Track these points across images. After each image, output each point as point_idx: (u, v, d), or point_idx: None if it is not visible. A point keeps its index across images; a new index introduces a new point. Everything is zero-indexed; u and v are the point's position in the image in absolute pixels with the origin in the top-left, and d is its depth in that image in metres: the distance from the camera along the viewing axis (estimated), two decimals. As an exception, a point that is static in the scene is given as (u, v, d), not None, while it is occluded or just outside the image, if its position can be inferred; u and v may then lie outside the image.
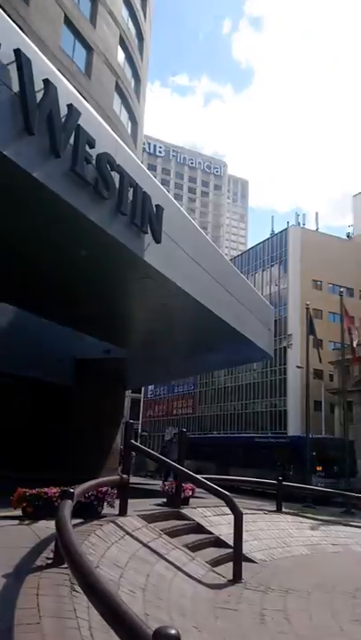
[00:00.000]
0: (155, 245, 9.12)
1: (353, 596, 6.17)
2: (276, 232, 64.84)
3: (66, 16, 17.10)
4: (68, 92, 7.33)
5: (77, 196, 7.36)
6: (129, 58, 22.69)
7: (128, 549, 5.89)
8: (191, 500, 9.05)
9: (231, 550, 6.79)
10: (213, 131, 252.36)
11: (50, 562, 4.39)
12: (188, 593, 5.57)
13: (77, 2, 18.24)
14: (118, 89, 21.02)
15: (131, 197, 8.44)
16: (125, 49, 22.07)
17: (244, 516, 6.98)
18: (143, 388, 77.35)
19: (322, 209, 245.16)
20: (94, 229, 7.87)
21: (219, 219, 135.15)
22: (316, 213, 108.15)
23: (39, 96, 6.60)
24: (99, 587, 2.61)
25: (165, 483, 9.03)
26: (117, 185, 8.08)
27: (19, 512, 6.23)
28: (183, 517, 8.05)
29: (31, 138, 6.46)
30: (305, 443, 21.73)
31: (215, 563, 6.93)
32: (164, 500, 8.79)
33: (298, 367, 49.28)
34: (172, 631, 1.92)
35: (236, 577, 6.38)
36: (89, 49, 18.82)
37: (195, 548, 7.17)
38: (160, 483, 11.65)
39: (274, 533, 8.86)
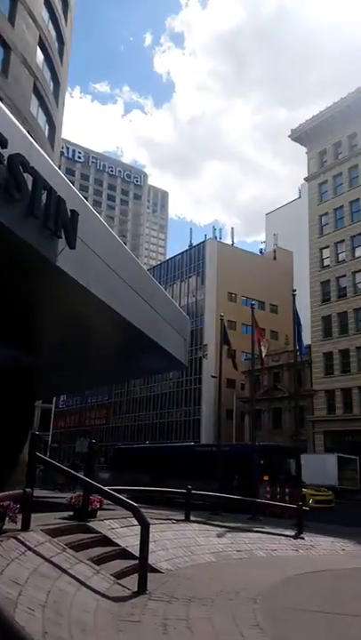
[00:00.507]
0: (69, 251, 8.92)
1: (254, 601, 6.33)
2: (194, 244, 66.22)
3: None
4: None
5: (-14, 197, 7.03)
6: (48, 60, 22.23)
7: (29, 565, 5.64)
8: (99, 513, 8.88)
9: (137, 561, 6.73)
10: (134, 141, 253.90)
11: None
12: (90, 607, 5.43)
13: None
14: (36, 91, 20.49)
15: (44, 200, 8.21)
16: (45, 51, 21.60)
17: (152, 527, 6.96)
18: (55, 399, 75.08)
19: (238, 224, 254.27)
20: (3, 231, 7.55)
21: (138, 228, 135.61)
22: (232, 228, 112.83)
23: None
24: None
25: (72, 495, 8.79)
26: (30, 187, 7.83)
27: None
28: (89, 530, 7.87)
29: None
30: (250, 450, 20.73)
31: (120, 575, 6.83)
32: (71, 513, 8.54)
33: (212, 377, 50.27)
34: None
35: (141, 588, 6.33)
36: (6, 47, 18.20)
37: (100, 560, 7.02)
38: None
39: (181, 542, 8.92)
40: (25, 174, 7.69)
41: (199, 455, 25.79)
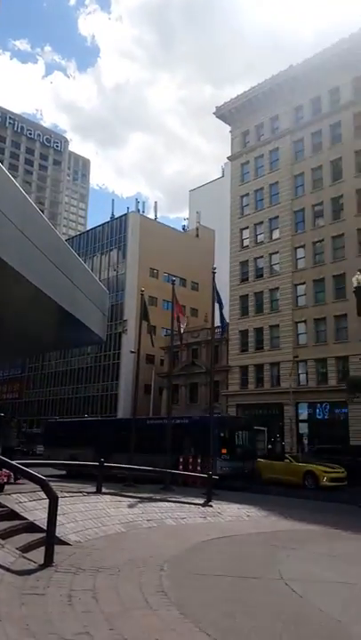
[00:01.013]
0: (-23, 214, 8.35)
1: (161, 568, 6.49)
2: (116, 216, 65.07)
3: None
4: None
5: None
6: None
7: None
8: (8, 487, 8.64)
9: (44, 534, 6.64)
10: (54, 104, 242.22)
11: None
12: (-8, 583, 5.28)
13: None
14: None
15: None
16: None
17: (62, 499, 6.88)
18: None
19: (161, 199, 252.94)
20: None
21: (57, 195, 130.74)
22: (155, 202, 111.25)
23: None
24: None
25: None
26: None
27: None
28: (-4, 505, 7.64)
29: None
30: (207, 423, 19.71)
31: (27, 548, 6.71)
32: (-24, 488, 8.22)
33: (132, 352, 50.27)
34: None
35: (48, 561, 6.26)
36: None
37: (6, 535, 6.85)
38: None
39: (91, 514, 8.93)
40: None
41: (150, 428, 24.69)
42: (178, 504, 11.49)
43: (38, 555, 6.46)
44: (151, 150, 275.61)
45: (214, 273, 17.23)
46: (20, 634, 4.18)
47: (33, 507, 7.97)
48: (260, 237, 46.33)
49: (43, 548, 6.46)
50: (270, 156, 46.20)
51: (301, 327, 42.10)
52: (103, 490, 10.85)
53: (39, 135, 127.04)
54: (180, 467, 19.21)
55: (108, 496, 10.54)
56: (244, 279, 47.03)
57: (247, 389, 44.95)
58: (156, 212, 69.64)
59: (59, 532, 6.82)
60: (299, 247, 42.98)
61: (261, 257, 45.79)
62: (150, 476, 16.79)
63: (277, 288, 44.02)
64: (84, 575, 6.00)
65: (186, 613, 4.89)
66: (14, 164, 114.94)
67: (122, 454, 18.48)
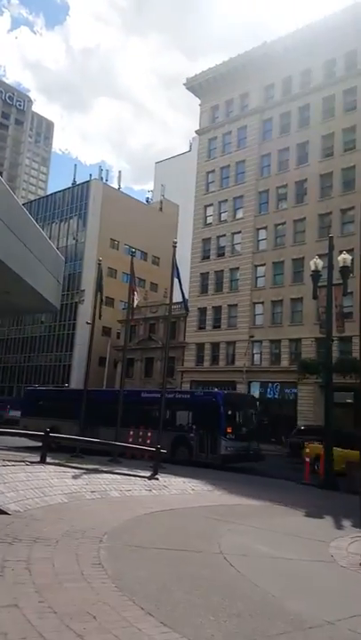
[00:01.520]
0: None
1: (100, 540, 6.39)
2: (78, 183, 63.21)
3: None
4: None
5: None
6: None
7: None
8: None
9: (-19, 504, 6.39)
10: (19, 61, 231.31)
11: None
12: None
13: None
14: None
15: None
16: None
17: (4, 469, 6.66)
18: None
19: (127, 169, 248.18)
20: None
21: (17, 157, 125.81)
22: (120, 172, 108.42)
23: None
24: None
25: None
26: None
27: None
28: None
29: None
30: (211, 400, 19.31)
31: None
32: None
33: (87, 323, 49.66)
34: None
35: (-18, 531, 6.03)
36: None
37: None
38: None
39: (33, 484, 8.72)
40: None
41: (146, 402, 22.81)
42: (124, 476, 11.44)
43: (-27, 525, 6.23)
44: (118, 118, 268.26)
45: (175, 247, 16.98)
46: None
47: (-30, 476, 7.69)
48: (223, 216, 46.20)
49: (-22, 518, 6.23)
50: (238, 133, 45.81)
51: (259, 308, 42.62)
52: (48, 460, 10.63)
53: (1, 92, 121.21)
54: (130, 439, 19.12)
55: (53, 466, 10.34)
56: (206, 257, 46.96)
57: (202, 366, 45.38)
58: (119, 181, 68.32)
59: (-4, 501, 6.59)
60: (261, 228, 43.18)
61: (224, 235, 45.76)
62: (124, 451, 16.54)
63: (238, 268, 44.23)
64: (19, 545, 5.83)
65: (121, 586, 4.80)
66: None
67: (111, 429, 17.39)
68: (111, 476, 11.21)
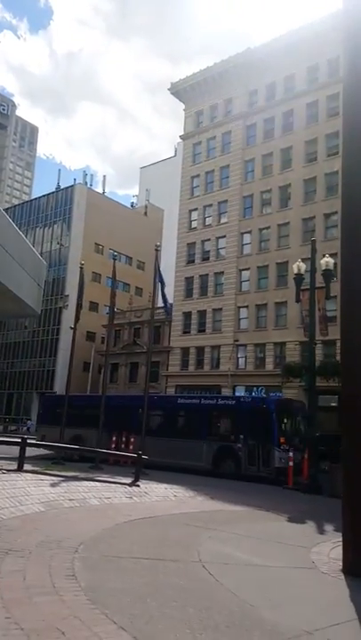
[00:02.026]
0: None
1: (76, 550, 6.20)
2: (62, 187, 62.83)
3: None
4: None
5: None
6: None
7: None
8: None
9: None
10: (2, 65, 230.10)
11: None
12: None
13: None
14: None
15: None
16: None
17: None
18: None
19: (112, 174, 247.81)
20: None
21: (1, 161, 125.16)
22: (104, 177, 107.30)
23: None
24: None
25: None
26: None
27: None
28: None
29: None
30: (262, 406, 17.65)
31: None
32: None
33: (71, 328, 49.29)
34: None
35: None
36: None
37: None
38: None
39: (9, 493, 8.48)
40: None
41: (182, 408, 20.84)
42: (104, 483, 11.22)
43: None
44: (103, 123, 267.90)
45: (157, 251, 16.85)
46: None
47: None
48: (208, 220, 46.25)
49: None
50: (223, 138, 45.97)
51: (243, 312, 42.67)
52: (25, 467, 10.38)
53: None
54: (113, 445, 18.89)
55: (30, 474, 10.10)
56: (190, 261, 46.93)
57: (187, 371, 45.23)
58: (104, 186, 68.12)
59: (-32, 511, 6.36)
60: (245, 233, 43.30)
61: (208, 240, 45.80)
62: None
63: (222, 272, 44.27)
64: (-11, 558, 5.61)
65: (94, 599, 4.62)
66: None
67: (145, 438, 16.11)
68: (91, 483, 10.99)
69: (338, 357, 30.69)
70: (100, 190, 67.83)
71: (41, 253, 56.78)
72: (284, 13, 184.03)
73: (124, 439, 19.30)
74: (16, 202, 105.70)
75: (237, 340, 42.06)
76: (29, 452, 17.87)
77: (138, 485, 11.48)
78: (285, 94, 41.99)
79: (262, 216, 42.19)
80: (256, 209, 42.71)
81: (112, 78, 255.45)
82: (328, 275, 15.30)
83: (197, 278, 45.99)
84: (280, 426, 17.23)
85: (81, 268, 18.51)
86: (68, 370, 18.85)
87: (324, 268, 15.32)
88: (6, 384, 60.06)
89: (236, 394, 40.81)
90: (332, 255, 19.34)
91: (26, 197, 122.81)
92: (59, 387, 53.80)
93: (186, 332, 46.26)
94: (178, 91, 49.29)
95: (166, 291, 47.20)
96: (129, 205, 71.89)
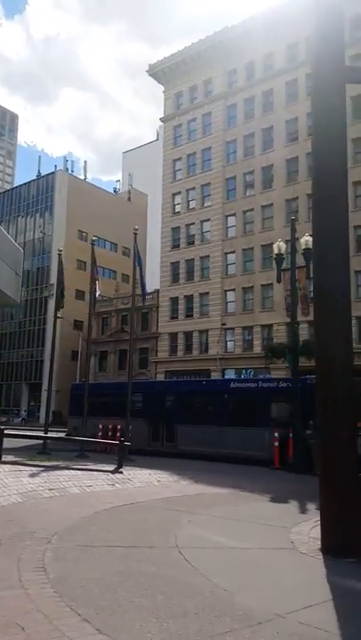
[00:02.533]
0: None
1: (49, 541, 6.05)
2: (43, 174, 61.80)
3: None
4: None
5: None
6: None
7: None
8: None
9: None
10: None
11: None
12: None
13: None
14: None
15: None
16: None
17: None
18: None
19: (94, 160, 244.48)
20: None
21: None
22: (85, 162, 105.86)
23: None
24: None
25: None
26: None
27: None
28: None
29: None
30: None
31: None
32: None
33: (59, 317, 48.75)
34: None
35: None
36: None
37: None
38: None
39: (-16, 486, 8.31)
40: None
41: (237, 393, 18.77)
42: (86, 471, 11.09)
43: None
44: (84, 109, 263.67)
45: (135, 234, 16.55)
46: None
47: None
48: (191, 204, 45.82)
49: None
50: (203, 119, 45.36)
51: (230, 295, 42.53)
52: (5, 459, 10.20)
53: None
54: (100, 434, 18.73)
55: (8, 465, 9.93)
56: (176, 246, 46.57)
57: (176, 356, 45.15)
58: (85, 172, 67.06)
59: None
60: (230, 215, 42.97)
61: (193, 224, 45.41)
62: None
63: (208, 256, 43.99)
64: None
65: (61, 592, 4.47)
66: None
67: (192, 426, 15.06)
68: (72, 472, 10.85)
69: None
70: (82, 177, 66.87)
71: (24, 242, 56.05)
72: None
73: (165, 430, 18.03)
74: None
75: (225, 324, 41.99)
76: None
77: (121, 472, 11.36)
78: (265, 73, 41.42)
79: (246, 198, 41.86)
80: (239, 191, 42.35)
81: (92, 63, 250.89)
82: (308, 254, 15.13)
83: (183, 263, 45.69)
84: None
85: (59, 254, 18.14)
86: (51, 359, 18.58)
87: (304, 247, 15.14)
88: (-5, 375, 59.68)
89: (226, 377, 40.90)
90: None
91: (8, 186, 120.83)
92: (47, 377, 53.58)
93: (174, 317, 46.08)
94: (156, 72, 48.42)
95: (153, 276, 46.93)
96: (112, 191, 71.01)
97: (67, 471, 10.82)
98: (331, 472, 5.95)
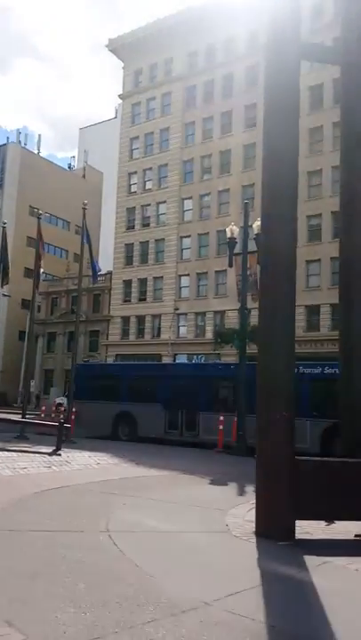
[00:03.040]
0: None
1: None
2: (-7, 147, 59.09)
3: None
4: None
5: None
6: None
7: None
8: None
9: None
10: None
11: None
12: None
13: None
14: None
15: None
16: None
17: None
18: None
19: (51, 137, 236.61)
20: None
21: None
22: (39, 135, 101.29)
23: None
24: None
25: None
26: None
27: None
28: None
29: None
30: None
31: None
32: None
33: (4, 295, 47.20)
34: None
35: None
36: None
37: None
38: None
39: None
40: None
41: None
42: (22, 453, 10.65)
43: None
44: (40, 81, 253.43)
45: (85, 209, 15.95)
46: None
47: None
48: (148, 184, 45.11)
49: None
50: (163, 99, 44.55)
51: (185, 280, 42.37)
52: None
53: None
54: (42, 415, 18.17)
55: None
56: (131, 227, 45.83)
57: (128, 340, 44.69)
58: (39, 146, 64.38)
59: None
60: (186, 199, 42.61)
61: (149, 205, 44.77)
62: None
63: (163, 239, 43.56)
64: None
65: (-28, 582, 4.11)
66: None
67: (222, 414, 13.80)
68: (6, 453, 10.38)
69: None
70: (35, 151, 64.50)
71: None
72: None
73: (184, 418, 16.67)
74: None
75: (178, 309, 41.85)
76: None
77: (59, 454, 10.98)
78: (226, 57, 40.99)
79: (203, 182, 41.58)
80: (197, 174, 42.01)
81: (51, 36, 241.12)
82: (260, 239, 15.04)
83: (138, 245, 45.06)
84: None
85: (3, 227, 17.21)
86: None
87: (256, 232, 15.03)
88: None
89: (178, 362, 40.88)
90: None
91: None
92: (-7, 357, 51.95)
93: (126, 300, 45.52)
94: (116, 48, 47.01)
95: (107, 258, 45.98)
96: (67, 168, 68.95)
97: (0, 453, 10.34)
98: (266, 455, 5.83)
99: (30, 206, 55.11)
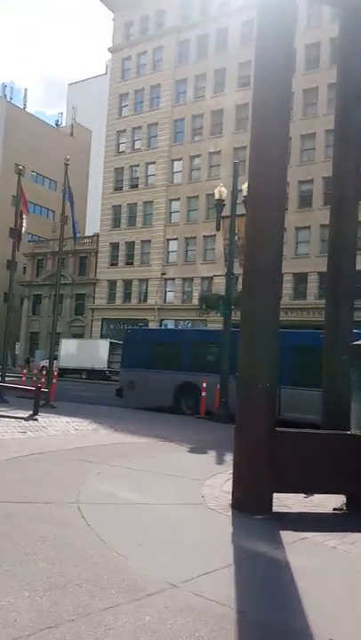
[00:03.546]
0: None
1: None
2: (-23, 100, 56.70)
3: None
4: None
5: None
6: None
7: None
8: None
9: None
10: None
11: None
12: None
13: None
14: None
15: None
16: None
17: None
18: None
19: (39, 93, 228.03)
20: None
21: None
22: (26, 89, 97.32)
23: None
24: None
25: None
26: None
27: None
28: None
29: None
30: None
31: None
32: None
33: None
34: None
35: None
36: None
37: None
38: None
39: None
40: None
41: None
42: (-3, 418, 10.36)
43: None
44: (29, 34, 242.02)
45: (67, 165, 15.23)
46: None
47: None
48: (137, 144, 43.76)
49: None
50: (154, 54, 42.73)
51: (173, 245, 41.68)
52: None
53: None
54: (24, 378, 17.86)
55: None
56: (119, 188, 44.67)
57: (114, 304, 44.23)
58: (25, 101, 61.84)
59: None
60: (176, 160, 41.44)
61: (138, 165, 43.54)
62: None
63: (152, 201, 42.57)
64: None
65: None
66: None
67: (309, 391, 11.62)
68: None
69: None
70: (22, 106, 61.99)
71: None
72: None
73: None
74: None
75: (165, 274, 41.29)
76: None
77: (36, 419, 10.70)
78: (221, 9, 39.11)
79: (193, 142, 40.38)
80: (188, 134, 40.75)
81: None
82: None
83: (125, 207, 44.03)
84: None
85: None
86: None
87: (245, 194, 14.44)
88: None
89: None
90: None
91: None
92: (-23, 319, 51.13)
93: (113, 264, 44.82)
94: (106, -4, 44.65)
95: (95, 219, 44.83)
96: (54, 125, 66.58)
97: (-26, 418, 10.04)
98: (246, 424, 5.56)
99: (16, 164, 53.36)
